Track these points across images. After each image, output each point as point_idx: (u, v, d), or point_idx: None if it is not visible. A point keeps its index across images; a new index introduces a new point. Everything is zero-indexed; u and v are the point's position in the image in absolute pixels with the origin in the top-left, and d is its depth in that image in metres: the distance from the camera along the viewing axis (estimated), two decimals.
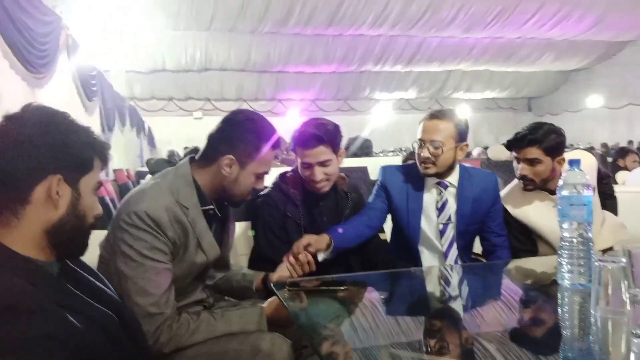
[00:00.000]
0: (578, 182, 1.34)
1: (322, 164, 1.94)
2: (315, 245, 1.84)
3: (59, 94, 4.85)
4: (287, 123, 15.17)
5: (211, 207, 1.58)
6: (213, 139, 1.58)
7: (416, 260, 2.14)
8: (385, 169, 2.26)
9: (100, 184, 1.10)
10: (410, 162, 2.30)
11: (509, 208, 2.23)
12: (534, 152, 2.09)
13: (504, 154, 5.83)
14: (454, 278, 1.86)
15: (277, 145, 1.60)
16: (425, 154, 2.03)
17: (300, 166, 1.99)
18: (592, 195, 1.34)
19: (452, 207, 2.11)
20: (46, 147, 0.98)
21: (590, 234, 1.34)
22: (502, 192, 2.31)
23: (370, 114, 17.84)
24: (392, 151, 13.19)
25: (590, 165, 2.22)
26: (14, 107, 1.01)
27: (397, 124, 17.77)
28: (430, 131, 2.05)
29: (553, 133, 2.11)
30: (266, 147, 1.57)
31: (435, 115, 2.08)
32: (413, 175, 2.17)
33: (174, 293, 1.49)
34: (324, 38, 13.37)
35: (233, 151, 1.54)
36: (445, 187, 2.12)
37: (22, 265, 0.96)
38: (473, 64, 15.76)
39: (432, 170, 2.06)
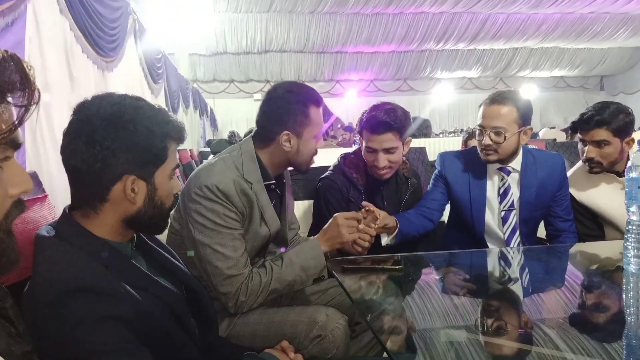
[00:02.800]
0: None
1: (387, 150, 1.93)
2: (384, 220, 1.81)
3: (127, 76, 5.05)
4: (345, 104, 15.10)
5: (272, 182, 1.64)
6: (263, 120, 1.64)
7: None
8: (443, 157, 2.18)
9: (178, 165, 1.12)
10: (470, 145, 2.24)
11: (574, 192, 2.14)
12: (602, 134, 2.01)
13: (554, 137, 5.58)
14: (515, 261, 1.82)
15: (321, 102, 1.64)
16: (487, 141, 1.94)
17: (365, 150, 1.98)
18: None
19: (515, 194, 2.04)
20: (118, 149, 0.98)
21: None
22: (568, 174, 2.22)
23: (431, 94, 17.45)
24: (452, 132, 12.86)
25: None
26: (87, 90, 1.05)
27: (459, 103, 17.31)
28: (491, 117, 1.95)
29: (621, 113, 2.01)
30: (313, 110, 1.61)
31: (496, 100, 1.97)
32: (473, 161, 2.07)
33: None
34: (384, 17, 13.14)
35: (286, 126, 1.59)
36: (508, 173, 2.04)
37: (98, 247, 1.00)
38: (541, 41, 15.00)
39: (493, 157, 1.98)
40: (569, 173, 2.21)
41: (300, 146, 1.61)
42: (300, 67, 15.67)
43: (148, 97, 6.06)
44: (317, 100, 1.63)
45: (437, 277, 1.62)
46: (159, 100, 6.72)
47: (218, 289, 1.50)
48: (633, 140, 2.02)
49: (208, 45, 13.65)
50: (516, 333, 1.13)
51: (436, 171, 2.17)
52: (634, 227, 1.28)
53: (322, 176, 2.06)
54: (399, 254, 1.70)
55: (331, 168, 2.08)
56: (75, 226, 1.01)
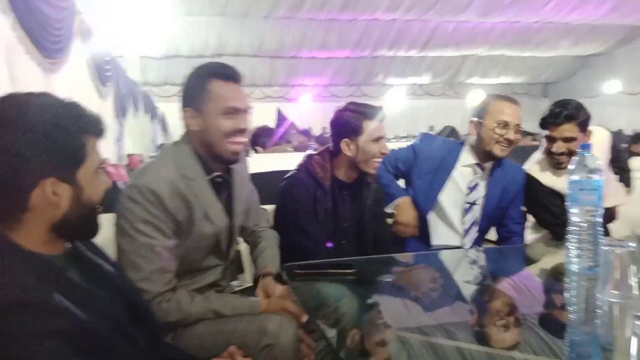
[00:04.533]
0: (589, 167, 1.33)
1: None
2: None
3: (73, 79, 4.89)
4: (300, 109, 15.07)
5: (217, 174, 1.55)
6: (180, 104, 1.54)
7: (424, 231, 2.16)
8: (425, 135, 2.38)
9: (103, 162, 1.07)
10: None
11: (542, 178, 2.24)
12: (571, 130, 2.10)
13: None
14: (467, 261, 1.87)
15: (227, 76, 1.48)
16: (511, 136, 2.07)
17: (372, 142, 1.90)
18: (602, 180, 1.33)
19: (481, 192, 2.17)
20: (31, 153, 0.93)
21: (599, 219, 1.33)
22: (528, 166, 2.35)
23: (384, 100, 17.69)
24: (405, 137, 13.09)
25: (603, 138, 2.30)
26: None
27: (411, 109, 17.62)
28: (516, 116, 2.09)
29: (582, 108, 2.15)
30: (215, 83, 1.47)
31: (513, 100, 2.15)
32: (452, 150, 2.22)
33: (190, 270, 1.51)
34: (338, 23, 13.25)
35: (188, 103, 1.50)
36: (482, 170, 2.17)
37: (28, 260, 0.95)
38: (489, 48, 15.50)
39: (506, 152, 2.11)
40: (532, 163, 2.36)
41: (206, 123, 1.47)
42: (255, 71, 15.56)
43: (96, 100, 5.88)
44: (220, 74, 1.48)
45: (391, 280, 1.63)
46: (107, 104, 6.53)
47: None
48: (590, 132, 2.16)
49: (159, 48, 13.37)
50: (466, 334, 1.14)
51: (411, 145, 2.30)
52: (576, 228, 1.33)
53: (287, 175, 2.02)
54: (351, 258, 1.71)
55: (296, 167, 2.03)
56: (1, 240, 0.95)
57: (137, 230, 1.40)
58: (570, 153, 2.12)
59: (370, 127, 1.90)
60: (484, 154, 2.12)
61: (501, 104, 2.11)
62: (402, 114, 17.32)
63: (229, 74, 1.49)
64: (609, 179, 2.32)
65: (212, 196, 1.54)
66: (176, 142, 1.57)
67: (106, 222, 1.85)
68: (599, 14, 12.90)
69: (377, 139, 1.90)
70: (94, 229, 1.08)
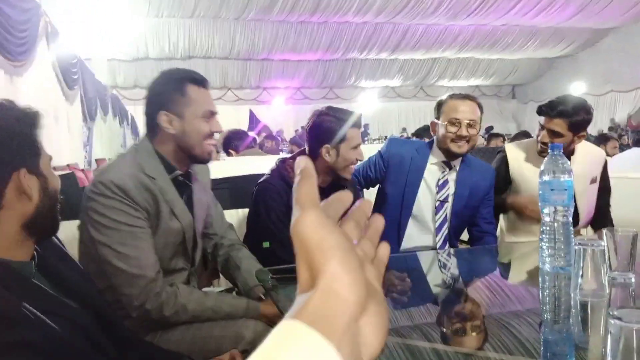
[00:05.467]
0: (559, 168, 1.35)
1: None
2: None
3: (38, 82, 4.77)
4: (272, 111, 15.02)
5: (178, 173, 1.56)
6: (145, 108, 1.57)
7: (400, 236, 2.18)
8: (392, 140, 2.37)
9: (50, 156, 1.07)
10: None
11: (510, 157, 2.34)
12: (559, 125, 2.15)
13: None
14: (442, 262, 1.88)
15: (201, 81, 1.54)
16: (463, 132, 2.09)
17: (352, 149, 1.91)
18: (572, 180, 1.35)
19: (450, 189, 2.19)
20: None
21: (570, 219, 1.35)
22: (514, 144, 2.43)
23: (356, 102, 17.80)
24: (377, 139, 13.20)
25: (600, 158, 2.36)
26: None
27: (383, 111, 17.77)
28: (469, 112, 2.12)
29: (581, 110, 2.16)
30: (192, 88, 1.52)
31: (467, 96, 2.16)
32: (419, 150, 2.25)
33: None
34: (309, 25, 13.29)
35: (163, 106, 1.51)
36: (450, 168, 2.19)
37: None
38: (458, 51, 15.78)
39: (464, 149, 2.13)
40: (519, 144, 2.45)
41: (185, 127, 1.51)
42: (226, 73, 15.48)
43: (62, 103, 5.74)
44: (196, 79, 1.54)
45: None
46: (74, 107, 6.39)
47: (121, 290, 1.41)
48: (584, 135, 2.21)
49: (128, 51, 13.17)
50: (440, 335, 1.15)
51: (379, 151, 2.29)
52: (547, 228, 1.36)
53: (260, 180, 1.98)
54: None
55: (269, 172, 1.99)
56: None
57: (117, 222, 1.40)
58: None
59: (352, 134, 1.90)
60: (446, 152, 2.16)
61: (454, 102, 2.15)
62: (374, 116, 17.47)
63: (202, 80, 1.56)
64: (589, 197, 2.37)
65: (175, 193, 1.55)
66: (135, 145, 1.60)
67: (75, 227, 1.80)
68: (562, 17, 13.26)
69: (356, 146, 1.92)
70: (57, 223, 1.07)
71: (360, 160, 1.95)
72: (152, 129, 1.54)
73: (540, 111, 2.25)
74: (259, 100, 16.68)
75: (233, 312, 1.51)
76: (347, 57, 15.59)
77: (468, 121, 2.10)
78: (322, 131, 1.91)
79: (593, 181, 2.32)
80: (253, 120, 13.76)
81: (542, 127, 2.22)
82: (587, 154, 2.34)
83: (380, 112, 17.82)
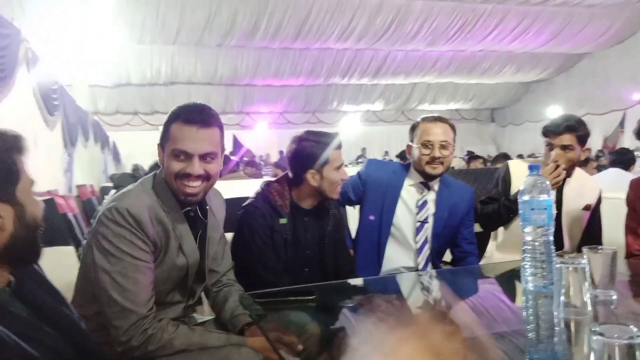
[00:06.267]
0: (538, 187, 1.37)
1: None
2: None
3: (18, 108, 4.72)
4: (256, 136, 15.04)
5: (189, 208, 1.55)
6: None
7: (380, 257, 2.19)
8: (370, 161, 2.42)
9: (32, 181, 1.04)
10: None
11: (512, 171, 2.36)
12: (569, 139, 2.21)
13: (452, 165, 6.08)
14: (425, 284, 1.88)
15: (188, 119, 1.47)
16: (436, 154, 2.12)
17: (334, 170, 1.92)
18: (552, 200, 1.37)
19: (430, 209, 2.21)
20: None
21: (551, 238, 1.37)
22: (518, 161, 2.50)
23: (339, 126, 17.93)
24: (360, 162, 13.27)
25: (596, 189, 2.39)
26: None
27: (365, 135, 17.91)
28: (441, 133, 2.15)
29: (583, 124, 2.27)
30: (175, 126, 1.49)
31: (439, 119, 2.20)
32: (396, 171, 2.28)
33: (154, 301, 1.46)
34: (291, 51, 13.42)
35: (160, 141, 1.54)
36: (429, 188, 2.22)
37: None
38: (437, 76, 16.06)
39: (439, 170, 2.16)
40: (518, 162, 2.50)
41: (164, 161, 1.53)
42: (209, 99, 15.47)
43: (43, 129, 5.69)
44: (184, 117, 1.49)
45: (352, 305, 1.62)
46: (55, 133, 6.32)
47: (111, 321, 1.39)
48: (589, 149, 2.31)
49: (110, 77, 13.14)
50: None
51: (358, 173, 2.34)
52: (529, 247, 1.37)
53: (245, 204, 1.97)
54: (311, 285, 1.69)
55: (253, 195, 1.99)
56: None
57: (122, 252, 1.39)
58: (567, 161, 2.22)
59: (334, 156, 1.91)
60: (422, 174, 2.19)
61: (426, 125, 2.20)
62: (357, 140, 17.59)
63: (191, 117, 1.48)
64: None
65: (187, 229, 1.54)
66: (154, 174, 1.58)
67: (55, 254, 1.76)
68: (537, 43, 13.62)
69: (339, 167, 1.93)
70: (38, 251, 1.04)
71: (344, 180, 1.96)
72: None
73: (547, 131, 2.29)
74: (242, 125, 16.70)
75: (220, 346, 1.48)
76: (329, 82, 15.75)
77: (440, 143, 2.13)
78: (304, 157, 1.91)
79: (586, 208, 2.34)
80: (237, 145, 13.75)
81: (551, 147, 2.26)
82: (582, 179, 2.40)
83: (362, 135, 17.95)
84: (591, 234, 2.34)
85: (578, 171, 2.38)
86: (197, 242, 1.59)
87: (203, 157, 1.48)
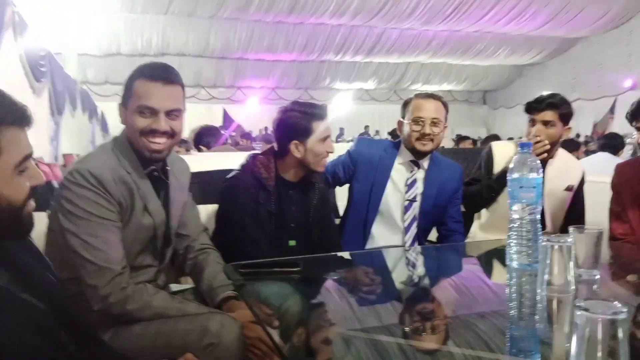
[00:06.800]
0: (528, 165, 1.37)
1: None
2: None
3: (5, 73, 4.62)
4: (246, 111, 14.95)
5: (153, 168, 1.54)
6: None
7: (366, 234, 2.19)
8: (360, 140, 2.40)
9: (25, 157, 0.96)
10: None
11: (495, 152, 2.38)
12: (550, 116, 2.24)
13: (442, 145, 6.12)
14: (411, 259, 1.89)
15: (152, 76, 1.46)
16: (426, 130, 2.11)
17: (320, 142, 1.89)
18: (541, 178, 1.37)
19: (419, 188, 2.20)
20: None
21: (538, 216, 1.37)
22: (500, 143, 2.49)
23: (331, 103, 17.82)
24: (350, 140, 13.25)
25: (579, 169, 2.43)
26: None
27: (357, 114, 17.85)
28: (432, 110, 2.14)
29: (566, 103, 2.30)
30: (139, 82, 1.47)
31: (432, 95, 2.19)
32: (387, 149, 2.26)
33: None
34: (285, 26, 13.26)
35: (122, 100, 1.52)
36: (418, 167, 2.21)
37: None
38: (431, 56, 15.98)
39: (429, 147, 2.14)
40: (501, 144, 2.50)
41: (126, 118, 1.50)
42: (200, 71, 15.30)
43: (29, 95, 5.58)
44: (148, 74, 1.47)
45: (337, 278, 1.62)
46: (42, 100, 6.21)
47: (87, 281, 1.39)
48: (570, 128, 2.33)
49: (100, 46, 12.91)
50: (414, 333, 1.14)
51: (348, 150, 2.31)
52: (515, 225, 1.37)
53: (229, 176, 1.93)
54: (297, 257, 1.68)
55: (238, 167, 1.95)
56: None
57: (89, 213, 1.38)
58: (548, 137, 2.24)
59: (319, 127, 1.88)
60: (412, 151, 2.18)
61: (418, 101, 2.18)
62: (348, 118, 17.52)
63: (155, 74, 1.48)
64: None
65: (150, 189, 1.53)
66: (115, 137, 1.57)
67: (38, 219, 1.74)
68: (533, 26, 13.57)
69: (325, 139, 1.90)
70: (22, 229, 1.00)
71: (330, 153, 1.93)
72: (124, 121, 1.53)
73: (529, 107, 2.31)
74: (232, 100, 16.55)
75: (199, 313, 1.47)
76: (322, 58, 15.61)
77: (432, 120, 2.12)
78: (288, 127, 1.89)
79: (568, 189, 2.35)
80: (227, 119, 13.65)
81: (533, 123, 2.28)
82: (566, 161, 2.41)
83: (354, 114, 17.88)
84: (574, 215, 2.36)
85: (561, 152, 2.39)
86: (162, 202, 1.58)
87: (168, 114, 1.48)
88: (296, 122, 1.88)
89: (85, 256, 1.38)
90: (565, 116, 2.27)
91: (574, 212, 2.38)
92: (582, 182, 2.40)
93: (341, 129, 15.82)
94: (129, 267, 1.46)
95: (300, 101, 1.98)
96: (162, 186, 1.59)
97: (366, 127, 16.28)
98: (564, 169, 2.34)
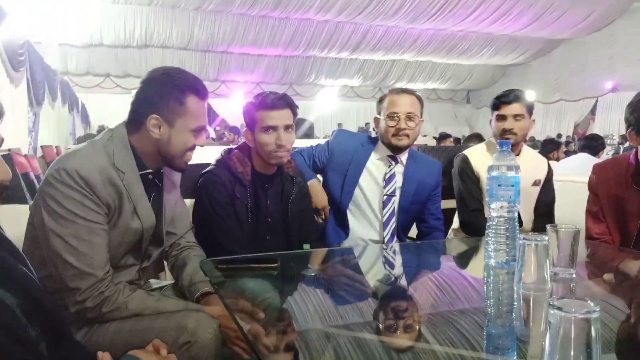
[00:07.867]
0: (506, 164, 1.37)
1: (287, 128, 1.85)
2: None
3: None
4: (231, 105, 14.85)
5: (149, 171, 1.50)
6: (134, 103, 1.48)
7: (344, 227, 2.20)
8: (339, 132, 2.40)
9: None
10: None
11: (474, 163, 2.36)
12: (519, 108, 2.29)
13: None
14: (390, 256, 1.88)
15: (203, 94, 1.49)
16: (402, 125, 2.10)
17: (261, 132, 1.84)
18: (519, 177, 1.37)
19: (397, 183, 2.20)
20: None
21: (515, 214, 1.37)
22: (469, 150, 2.45)
23: (315, 100, 17.82)
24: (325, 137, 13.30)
25: (544, 163, 2.47)
26: None
27: (342, 110, 17.88)
28: (407, 105, 2.13)
29: (527, 96, 2.39)
30: (191, 99, 1.45)
31: (406, 90, 2.18)
32: (364, 144, 2.26)
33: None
34: (270, 20, 13.19)
35: (156, 109, 1.44)
36: (396, 162, 2.20)
37: None
38: (416, 54, 16.04)
39: (404, 142, 2.13)
40: (471, 150, 2.46)
41: (172, 136, 1.46)
42: (184, 64, 15.13)
43: (6, 85, 5.47)
44: (198, 90, 1.47)
45: (315, 275, 1.61)
46: (20, 90, 6.09)
47: (67, 283, 1.35)
48: (534, 121, 2.39)
49: (81, 36, 12.71)
50: (391, 330, 1.14)
51: (327, 141, 2.31)
52: (494, 223, 1.37)
53: (204, 171, 1.90)
54: (275, 253, 1.66)
55: (214, 162, 1.93)
56: None
57: (74, 214, 1.33)
58: (519, 130, 2.29)
59: (262, 117, 1.84)
60: (389, 146, 2.17)
61: (392, 97, 2.18)
62: (333, 115, 17.54)
63: (204, 92, 1.50)
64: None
65: (142, 192, 1.48)
66: (110, 132, 1.50)
67: (12, 212, 1.69)
68: (517, 26, 13.70)
69: (267, 129, 1.83)
70: None
71: (281, 146, 1.84)
72: (135, 123, 1.47)
73: (497, 102, 2.34)
74: (217, 94, 16.42)
75: (175, 310, 1.45)
76: (307, 54, 15.58)
77: (407, 114, 2.11)
78: (243, 116, 1.91)
79: (536, 184, 2.38)
80: (210, 113, 13.55)
81: (503, 117, 2.31)
82: (531, 157, 2.46)
83: (339, 111, 17.91)
84: (542, 205, 2.40)
85: (526, 148, 2.44)
86: (152, 205, 1.54)
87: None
88: (245, 111, 1.90)
89: (67, 259, 1.33)
90: (530, 108, 2.34)
91: (541, 203, 2.42)
92: (549, 175, 2.44)
93: (310, 127, 15.75)
94: (111, 271, 1.42)
95: (265, 92, 1.95)
96: (154, 188, 1.55)
97: (311, 126, 16.10)
98: (531, 164, 2.36)
